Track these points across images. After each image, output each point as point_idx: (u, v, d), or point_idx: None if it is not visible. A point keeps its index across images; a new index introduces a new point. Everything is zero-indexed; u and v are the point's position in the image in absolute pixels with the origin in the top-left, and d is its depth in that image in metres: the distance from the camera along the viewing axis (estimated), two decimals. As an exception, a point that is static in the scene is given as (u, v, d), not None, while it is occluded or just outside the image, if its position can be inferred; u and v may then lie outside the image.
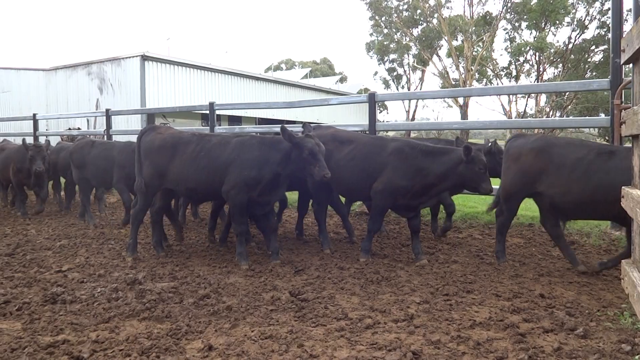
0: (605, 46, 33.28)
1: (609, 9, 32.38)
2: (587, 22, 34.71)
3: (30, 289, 4.25)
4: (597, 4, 33.56)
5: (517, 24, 37.34)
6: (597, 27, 34.33)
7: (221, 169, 4.96)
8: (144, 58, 21.86)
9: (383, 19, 43.26)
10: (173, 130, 5.62)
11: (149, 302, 3.84)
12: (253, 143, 4.96)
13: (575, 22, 34.72)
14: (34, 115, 14.37)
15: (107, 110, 12.65)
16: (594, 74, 34.60)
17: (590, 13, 34.50)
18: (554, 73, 37.55)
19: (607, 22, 32.72)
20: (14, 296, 4.03)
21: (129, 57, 22.20)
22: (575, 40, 35.50)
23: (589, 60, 35.72)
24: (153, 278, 4.56)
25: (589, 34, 35.29)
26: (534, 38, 35.80)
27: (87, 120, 21.02)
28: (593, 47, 35.17)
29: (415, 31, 42.37)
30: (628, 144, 4.24)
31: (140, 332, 3.29)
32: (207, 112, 10.51)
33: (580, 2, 34.48)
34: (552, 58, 36.61)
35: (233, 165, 4.90)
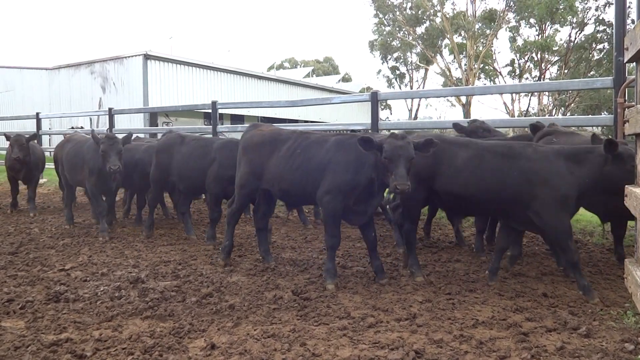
0: (603, 44, 33.27)
1: (605, 4, 32.30)
2: (585, 20, 34.63)
3: (34, 288, 4.27)
4: (592, 2, 33.51)
5: (520, 23, 37.23)
6: (597, 24, 34.18)
7: (315, 170, 4.40)
8: (147, 57, 21.93)
9: (386, 17, 43.18)
10: (274, 127, 5.21)
11: (151, 300, 3.86)
12: (351, 143, 4.27)
13: (575, 21, 34.62)
14: (37, 114, 14.43)
15: (110, 109, 12.73)
16: (592, 72, 34.50)
17: (586, 12, 34.40)
18: (557, 71, 37.49)
19: (605, 19, 32.69)
20: (17, 294, 4.05)
21: (132, 56, 22.28)
22: (575, 39, 35.43)
23: (590, 58, 35.64)
24: (156, 277, 4.57)
25: (587, 31, 35.23)
26: (536, 37, 35.72)
27: (90, 119, 21.10)
28: (594, 44, 35.10)
29: (419, 30, 42.29)
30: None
31: (143, 331, 3.30)
32: (210, 111, 10.53)
33: (579, 1, 34.39)
34: (549, 58, 36.55)
35: (328, 168, 4.34)
